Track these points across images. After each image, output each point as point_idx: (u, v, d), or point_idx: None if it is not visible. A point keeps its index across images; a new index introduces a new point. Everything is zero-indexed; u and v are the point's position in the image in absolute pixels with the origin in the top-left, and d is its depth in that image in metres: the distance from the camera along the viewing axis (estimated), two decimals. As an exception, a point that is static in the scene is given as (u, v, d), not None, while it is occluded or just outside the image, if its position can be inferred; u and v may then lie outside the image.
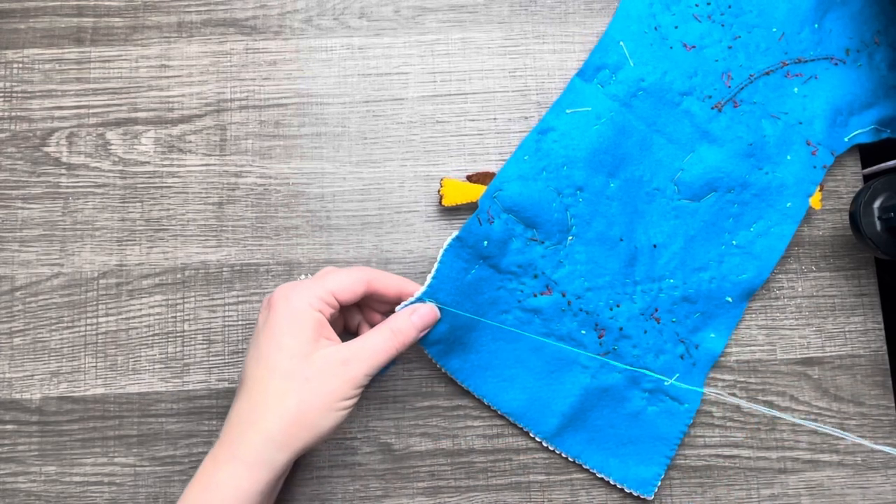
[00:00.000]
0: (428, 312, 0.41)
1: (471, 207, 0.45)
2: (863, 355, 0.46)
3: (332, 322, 0.40)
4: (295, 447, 0.36)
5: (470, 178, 0.45)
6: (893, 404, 0.46)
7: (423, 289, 0.41)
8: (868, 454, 0.45)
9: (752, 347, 0.46)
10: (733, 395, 0.46)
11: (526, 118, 0.47)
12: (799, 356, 0.46)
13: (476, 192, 0.45)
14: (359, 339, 0.38)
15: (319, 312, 0.37)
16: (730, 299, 0.45)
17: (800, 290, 0.47)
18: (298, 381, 0.36)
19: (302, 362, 0.36)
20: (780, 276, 0.47)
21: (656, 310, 0.45)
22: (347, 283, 0.39)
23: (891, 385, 0.46)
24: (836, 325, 0.47)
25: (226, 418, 0.37)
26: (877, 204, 0.43)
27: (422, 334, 0.40)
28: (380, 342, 0.38)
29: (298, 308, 0.37)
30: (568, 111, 0.45)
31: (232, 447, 0.36)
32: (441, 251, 0.43)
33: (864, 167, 0.48)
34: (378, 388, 0.45)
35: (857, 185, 0.48)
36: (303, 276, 0.45)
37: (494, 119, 0.47)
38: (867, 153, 0.48)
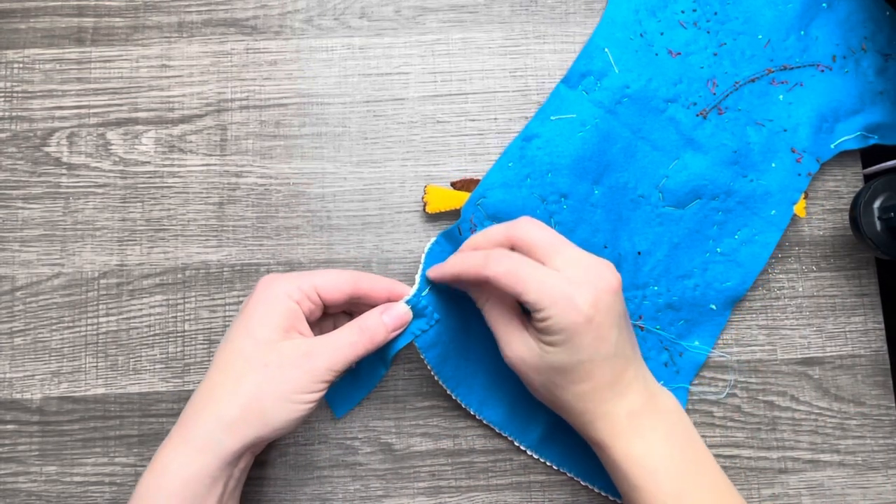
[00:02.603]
0: (400, 312, 0.40)
1: (456, 214, 0.45)
2: (863, 355, 0.46)
3: (316, 324, 0.40)
4: (245, 435, 0.35)
5: (454, 185, 0.45)
6: (894, 404, 0.46)
7: (411, 293, 0.41)
8: (869, 454, 0.45)
9: (753, 347, 0.46)
10: (734, 395, 0.46)
11: (526, 118, 0.47)
12: (799, 356, 0.46)
13: (460, 199, 0.44)
14: (327, 335, 0.38)
15: (297, 304, 0.37)
16: (714, 307, 0.45)
17: (800, 290, 0.47)
18: (256, 366, 0.36)
19: (265, 348, 0.36)
20: (780, 276, 0.47)
21: (640, 317, 0.45)
22: (333, 280, 0.38)
23: (891, 385, 0.46)
24: (837, 325, 0.47)
25: None
26: (877, 204, 0.43)
27: (393, 334, 0.40)
28: (346, 337, 0.37)
29: (275, 295, 0.37)
30: (552, 118, 0.45)
31: (183, 429, 0.35)
32: (423, 255, 0.43)
33: (864, 167, 0.48)
34: (378, 388, 0.45)
35: (857, 185, 0.48)
36: None
37: (495, 119, 0.47)
38: (867, 153, 0.48)
